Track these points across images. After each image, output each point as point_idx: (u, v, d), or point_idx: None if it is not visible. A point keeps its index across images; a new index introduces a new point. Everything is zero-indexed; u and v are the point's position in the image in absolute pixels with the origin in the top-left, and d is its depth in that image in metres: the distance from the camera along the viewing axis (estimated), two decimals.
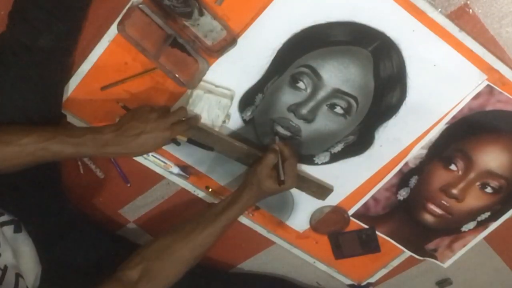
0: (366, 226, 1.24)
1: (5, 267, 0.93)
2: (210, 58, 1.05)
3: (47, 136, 0.92)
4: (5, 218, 0.98)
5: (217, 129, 1.10)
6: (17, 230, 0.99)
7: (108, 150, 0.97)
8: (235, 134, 1.13)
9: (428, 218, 1.18)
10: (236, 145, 1.11)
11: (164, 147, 1.15)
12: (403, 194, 1.17)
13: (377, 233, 1.24)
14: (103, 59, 1.06)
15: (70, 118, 1.12)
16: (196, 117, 1.07)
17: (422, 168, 1.13)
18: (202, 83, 1.06)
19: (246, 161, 1.14)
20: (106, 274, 0.98)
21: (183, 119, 1.05)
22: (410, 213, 1.19)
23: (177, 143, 1.09)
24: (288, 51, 1.03)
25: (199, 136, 1.10)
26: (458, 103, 1.05)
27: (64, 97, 1.10)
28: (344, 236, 1.26)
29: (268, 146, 1.08)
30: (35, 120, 1.01)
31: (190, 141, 1.08)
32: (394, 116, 1.08)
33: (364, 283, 1.34)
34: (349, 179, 1.17)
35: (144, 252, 0.97)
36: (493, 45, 1.01)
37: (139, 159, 1.17)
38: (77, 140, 0.94)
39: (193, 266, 1.01)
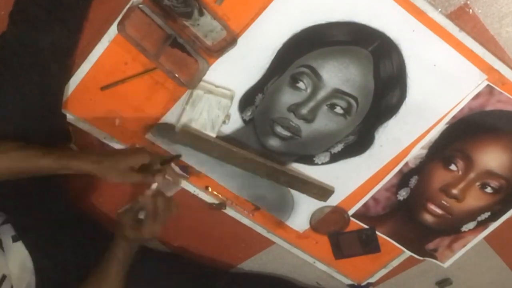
0: (366, 226, 1.24)
1: (3, 277, 0.93)
2: (210, 58, 1.05)
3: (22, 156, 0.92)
4: None
5: (216, 130, 1.10)
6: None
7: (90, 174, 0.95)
8: (234, 135, 1.13)
9: (428, 218, 1.18)
10: (234, 150, 1.11)
11: (164, 147, 1.15)
12: (403, 194, 1.17)
13: (377, 233, 1.24)
14: (103, 59, 1.06)
15: (70, 118, 1.12)
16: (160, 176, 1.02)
17: (422, 168, 1.13)
18: (202, 83, 1.06)
19: (244, 166, 1.14)
20: None
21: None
22: (410, 213, 1.19)
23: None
24: (288, 51, 1.03)
25: (196, 143, 1.10)
26: (458, 103, 1.05)
27: (64, 97, 1.10)
28: (344, 236, 1.26)
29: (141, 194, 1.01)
30: (35, 120, 1.01)
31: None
32: (394, 116, 1.08)
33: (364, 283, 1.34)
34: (349, 179, 1.17)
35: None
36: (493, 45, 1.01)
37: None
38: (56, 164, 0.93)
39: (191, 266, 1.00)
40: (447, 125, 1.08)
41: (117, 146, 1.14)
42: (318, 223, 1.24)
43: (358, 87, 1.04)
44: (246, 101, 1.09)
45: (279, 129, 1.09)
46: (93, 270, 0.99)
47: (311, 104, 1.06)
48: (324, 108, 1.06)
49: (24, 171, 0.92)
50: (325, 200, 1.20)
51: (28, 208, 1.05)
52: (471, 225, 1.20)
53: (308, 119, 1.07)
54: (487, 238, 1.23)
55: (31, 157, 0.92)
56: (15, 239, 1.00)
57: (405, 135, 1.10)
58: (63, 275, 1.04)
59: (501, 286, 1.33)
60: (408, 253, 1.27)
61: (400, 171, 1.14)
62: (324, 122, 1.07)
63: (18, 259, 0.99)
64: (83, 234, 1.14)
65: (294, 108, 1.07)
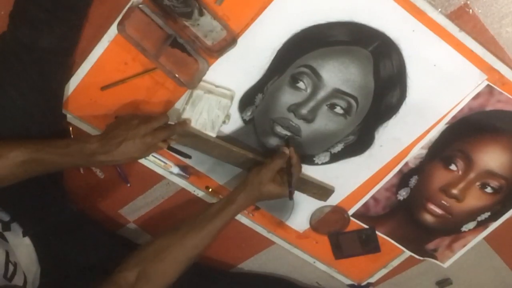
0: (366, 226, 1.24)
1: (15, 264, 0.94)
2: (210, 58, 1.05)
3: (34, 148, 0.93)
4: None
5: (216, 130, 1.10)
6: (5, 229, 1.00)
7: (95, 159, 0.98)
8: (234, 135, 1.13)
9: (428, 218, 1.18)
10: (234, 150, 1.11)
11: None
12: (403, 194, 1.17)
13: (377, 233, 1.24)
14: (103, 59, 1.06)
15: (70, 118, 1.12)
16: (183, 123, 1.07)
17: (422, 168, 1.13)
18: (202, 83, 1.06)
19: (245, 166, 1.14)
20: (105, 274, 0.98)
21: (171, 123, 1.05)
22: (410, 213, 1.19)
23: (187, 156, 1.10)
24: (288, 51, 1.03)
25: (196, 143, 1.10)
26: (458, 103, 1.05)
27: (64, 97, 1.10)
28: (344, 236, 1.26)
29: (278, 149, 1.08)
30: (36, 120, 1.02)
31: (170, 148, 1.07)
32: (394, 116, 1.08)
33: (364, 283, 1.34)
34: (349, 179, 1.17)
35: (141, 254, 0.98)
36: (493, 45, 1.01)
37: None
38: (64, 151, 0.96)
39: (192, 266, 1.01)
40: (447, 125, 1.08)
41: None
42: (318, 223, 1.24)
43: (358, 87, 1.04)
44: (246, 101, 1.09)
45: (279, 129, 1.10)
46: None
47: (311, 104, 1.06)
48: (324, 108, 1.06)
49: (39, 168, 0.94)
50: (325, 200, 1.20)
51: (31, 208, 1.05)
52: (471, 225, 1.20)
53: (308, 119, 1.07)
54: (487, 238, 1.23)
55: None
56: (24, 234, 1.02)
57: (405, 135, 1.10)
58: (65, 270, 1.06)
59: (501, 286, 1.32)
60: (408, 253, 1.27)
61: (400, 171, 1.14)
62: (324, 122, 1.08)
63: (27, 252, 1.01)
64: (84, 232, 1.15)
65: (294, 108, 1.07)
